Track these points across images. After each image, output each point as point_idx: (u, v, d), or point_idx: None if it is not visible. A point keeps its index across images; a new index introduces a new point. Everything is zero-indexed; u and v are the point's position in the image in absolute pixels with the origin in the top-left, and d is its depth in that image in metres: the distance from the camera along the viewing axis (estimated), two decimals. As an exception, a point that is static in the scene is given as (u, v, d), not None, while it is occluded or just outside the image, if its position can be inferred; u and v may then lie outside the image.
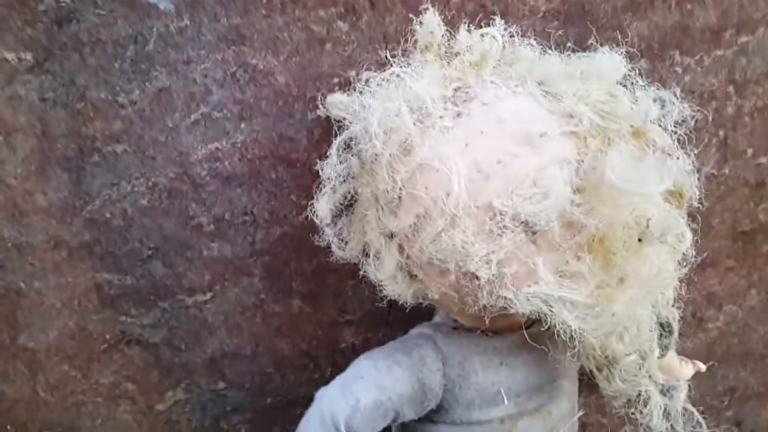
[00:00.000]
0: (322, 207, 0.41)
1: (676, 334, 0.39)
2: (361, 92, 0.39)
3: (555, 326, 0.34)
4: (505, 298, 0.34)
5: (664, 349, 0.39)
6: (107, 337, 0.52)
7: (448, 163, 0.34)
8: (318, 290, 0.52)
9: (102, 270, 0.50)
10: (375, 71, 0.41)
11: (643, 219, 0.33)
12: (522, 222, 0.32)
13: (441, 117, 0.36)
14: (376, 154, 0.36)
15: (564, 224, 0.33)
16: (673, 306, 0.38)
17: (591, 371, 0.39)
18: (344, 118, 0.40)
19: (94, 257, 0.49)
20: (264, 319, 0.53)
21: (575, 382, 0.45)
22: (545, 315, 0.34)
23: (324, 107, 0.42)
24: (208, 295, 0.52)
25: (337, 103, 0.42)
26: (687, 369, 0.47)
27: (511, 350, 0.41)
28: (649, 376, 0.38)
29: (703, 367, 0.48)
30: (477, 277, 0.34)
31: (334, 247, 0.41)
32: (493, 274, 0.33)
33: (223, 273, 0.51)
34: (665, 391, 0.40)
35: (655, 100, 0.37)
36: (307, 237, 0.45)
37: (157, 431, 0.59)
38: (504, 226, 0.33)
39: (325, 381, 0.40)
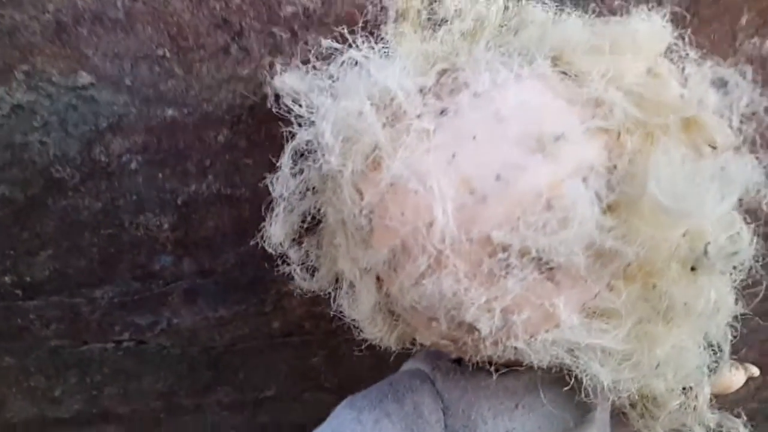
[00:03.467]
0: (277, 232, 0.35)
1: (727, 353, 0.35)
2: (314, 75, 0.33)
3: (581, 379, 0.32)
4: (516, 348, 0.31)
5: (712, 372, 0.35)
6: None
7: (429, 182, 0.29)
8: None
9: None
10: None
11: (699, 243, 0.30)
12: (534, 258, 0.28)
13: (419, 116, 0.30)
14: (335, 172, 0.31)
15: (592, 255, 0.29)
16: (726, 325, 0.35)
17: (622, 406, 0.38)
18: (299, 125, 0.33)
19: None
20: None
21: (607, 408, 0.41)
22: (568, 366, 0.32)
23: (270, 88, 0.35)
24: None
25: (287, 90, 0.34)
26: (738, 376, 0.42)
27: (528, 389, 0.37)
28: (696, 414, 0.36)
29: (756, 371, 0.43)
30: (476, 329, 0.30)
31: (297, 278, 0.37)
32: (497, 326, 0.30)
33: None
34: None
35: (713, 82, 0.30)
36: None
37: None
38: (509, 265, 0.28)
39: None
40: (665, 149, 0.28)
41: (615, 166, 0.29)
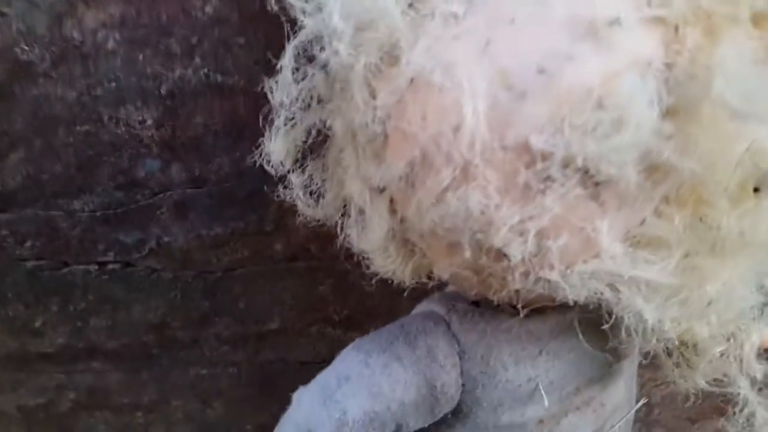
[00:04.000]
0: (278, 148, 0.31)
1: None
2: None
3: (622, 318, 0.29)
4: (549, 281, 0.28)
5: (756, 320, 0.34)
6: None
7: (457, 76, 0.25)
8: None
9: None
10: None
11: (764, 158, 0.26)
12: (579, 169, 0.25)
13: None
14: (345, 65, 0.28)
15: (645, 169, 0.26)
16: None
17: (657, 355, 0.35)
18: (303, 12, 0.30)
19: None
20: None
21: (635, 360, 0.39)
22: (608, 302, 0.28)
23: None
24: None
25: None
26: None
27: (554, 334, 0.35)
28: (741, 364, 0.33)
29: None
30: (505, 256, 0.27)
31: (300, 204, 0.34)
32: (530, 252, 0.27)
33: None
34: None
35: None
36: None
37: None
38: (549, 177, 0.25)
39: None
40: (734, 44, 0.25)
41: (673, 65, 0.25)
